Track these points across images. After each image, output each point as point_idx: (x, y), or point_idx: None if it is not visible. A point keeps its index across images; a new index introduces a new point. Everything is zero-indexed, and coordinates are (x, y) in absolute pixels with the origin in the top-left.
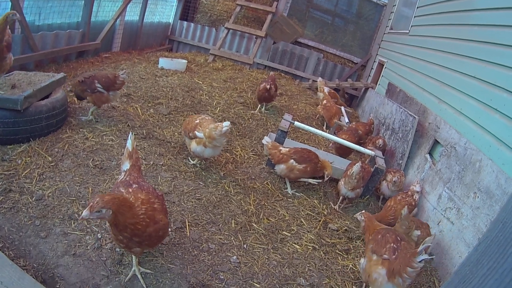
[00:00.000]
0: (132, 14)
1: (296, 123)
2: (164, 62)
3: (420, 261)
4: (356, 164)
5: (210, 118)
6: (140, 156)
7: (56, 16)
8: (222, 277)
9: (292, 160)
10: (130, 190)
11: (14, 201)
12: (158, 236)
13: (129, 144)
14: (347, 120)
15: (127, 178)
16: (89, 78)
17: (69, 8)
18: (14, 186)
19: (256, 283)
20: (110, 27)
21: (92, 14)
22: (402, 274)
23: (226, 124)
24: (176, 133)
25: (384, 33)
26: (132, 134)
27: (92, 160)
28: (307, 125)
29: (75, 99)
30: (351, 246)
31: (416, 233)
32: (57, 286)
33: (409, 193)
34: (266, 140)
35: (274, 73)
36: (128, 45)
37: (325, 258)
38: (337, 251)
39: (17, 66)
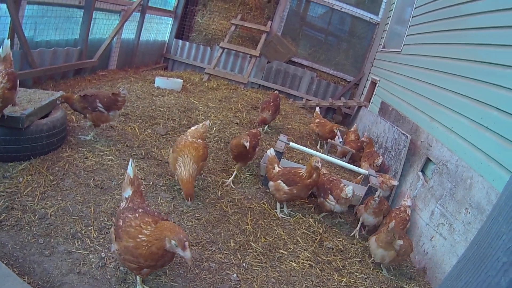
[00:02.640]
0: (128, 32)
1: (292, 144)
2: (160, 82)
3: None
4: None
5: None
6: (141, 181)
7: (54, 33)
8: None
9: (279, 181)
10: (137, 215)
11: (16, 219)
12: (170, 258)
13: (130, 170)
14: (340, 140)
15: (130, 205)
16: (91, 96)
17: (66, 25)
18: (16, 204)
19: None
20: (107, 45)
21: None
22: None
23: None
24: None
25: (377, 52)
26: (132, 160)
27: (93, 179)
28: (302, 145)
29: (73, 117)
30: (346, 263)
31: (399, 243)
32: None
33: (402, 208)
34: (271, 152)
35: (277, 92)
36: (124, 63)
37: (321, 275)
38: (332, 268)
39: None
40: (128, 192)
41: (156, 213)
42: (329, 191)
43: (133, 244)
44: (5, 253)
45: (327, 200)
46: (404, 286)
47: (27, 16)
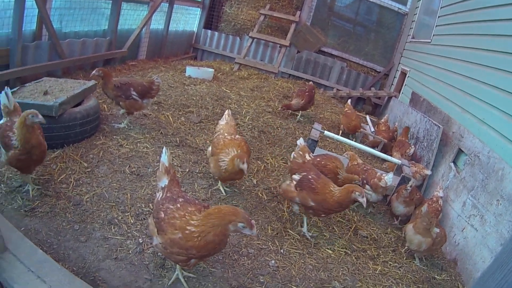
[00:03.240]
0: (157, 23)
1: (326, 132)
2: (191, 71)
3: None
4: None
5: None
6: (176, 169)
7: (82, 24)
8: (262, 280)
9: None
10: (178, 205)
11: (50, 206)
12: (224, 245)
13: (164, 159)
14: (372, 129)
15: (168, 194)
16: (125, 85)
17: (93, 16)
18: (50, 191)
19: (294, 286)
20: (137, 35)
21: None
22: None
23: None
24: (208, 141)
25: (406, 42)
26: (166, 149)
27: (128, 166)
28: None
29: (105, 106)
30: (380, 252)
31: (436, 230)
32: None
33: (434, 199)
34: (301, 142)
35: (312, 84)
36: (153, 53)
37: (357, 263)
38: (367, 256)
39: (45, 73)
40: (164, 181)
41: (196, 201)
42: (365, 181)
43: (180, 236)
44: (39, 239)
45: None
46: (436, 276)
47: (54, 8)
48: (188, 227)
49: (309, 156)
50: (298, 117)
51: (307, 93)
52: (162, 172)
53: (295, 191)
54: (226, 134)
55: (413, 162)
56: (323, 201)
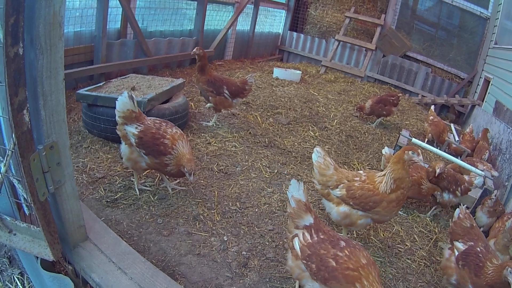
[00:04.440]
0: (242, 24)
1: (414, 139)
2: (279, 72)
3: None
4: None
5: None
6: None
7: (167, 24)
8: None
9: None
10: (347, 252)
11: (134, 198)
12: None
13: (300, 194)
14: (457, 138)
15: (322, 236)
16: (219, 81)
17: (175, 17)
18: (134, 184)
19: None
20: (223, 36)
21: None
22: None
23: None
24: (296, 143)
25: (489, 48)
26: (301, 182)
27: (216, 164)
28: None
29: (192, 104)
30: None
31: None
32: (182, 286)
33: None
34: (386, 151)
35: (394, 93)
36: (239, 53)
37: (435, 275)
38: None
39: (131, 70)
40: (308, 219)
41: (354, 242)
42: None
43: None
44: (119, 230)
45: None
46: None
47: (139, 8)
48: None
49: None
50: (375, 123)
51: (378, 96)
52: (302, 210)
53: (455, 266)
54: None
55: (482, 160)
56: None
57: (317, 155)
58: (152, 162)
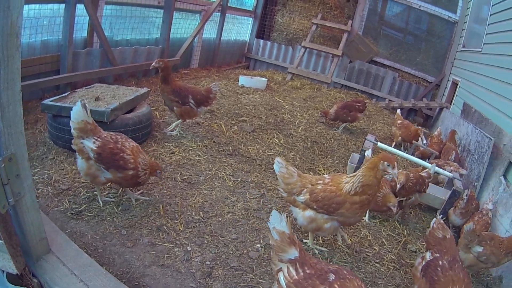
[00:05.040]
0: (209, 32)
1: (379, 144)
2: (244, 80)
3: None
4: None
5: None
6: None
7: (133, 32)
8: None
9: None
10: (337, 286)
11: (98, 210)
12: None
13: (284, 226)
14: (424, 141)
15: (309, 271)
16: (184, 91)
17: (143, 25)
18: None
19: None
20: (189, 44)
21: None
22: None
23: None
24: (260, 151)
25: (457, 51)
26: (283, 213)
27: (180, 174)
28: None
29: (157, 113)
30: None
31: (477, 249)
32: None
33: (484, 212)
34: (368, 154)
35: (361, 99)
36: (206, 62)
37: (405, 277)
38: None
39: (96, 79)
40: (292, 253)
41: (345, 271)
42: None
43: None
44: (84, 242)
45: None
46: None
47: (105, 16)
48: None
49: None
50: (340, 129)
51: (343, 102)
52: (285, 243)
53: (419, 275)
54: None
55: (448, 161)
56: None
57: (279, 165)
58: (115, 177)
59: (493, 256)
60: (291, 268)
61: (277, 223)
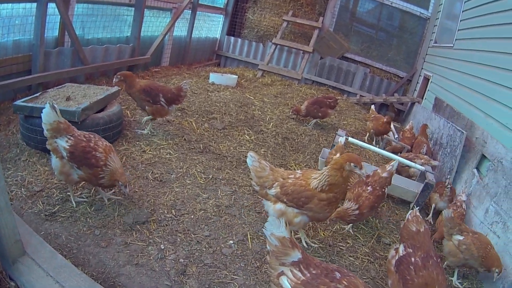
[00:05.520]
0: (180, 30)
1: (350, 138)
2: (215, 77)
3: None
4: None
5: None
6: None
7: (105, 31)
8: None
9: None
10: (345, 282)
11: (71, 211)
12: None
13: (283, 231)
14: (396, 136)
15: (314, 272)
16: (155, 90)
17: (114, 23)
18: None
19: None
20: (160, 42)
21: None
22: None
23: None
24: (231, 148)
25: (429, 47)
26: (282, 219)
27: (151, 172)
28: (358, 140)
29: (128, 112)
30: None
31: (457, 238)
32: None
33: (458, 203)
34: (340, 139)
35: (332, 95)
36: (176, 60)
37: (379, 270)
38: None
39: (67, 79)
40: (295, 255)
41: (344, 271)
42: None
43: None
44: (59, 244)
45: None
46: (457, 284)
47: (76, 15)
48: None
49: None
50: (310, 124)
51: (314, 98)
52: (288, 247)
53: (392, 269)
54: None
55: (419, 155)
56: None
57: (252, 159)
58: (86, 174)
59: (473, 247)
60: (295, 271)
61: (276, 229)
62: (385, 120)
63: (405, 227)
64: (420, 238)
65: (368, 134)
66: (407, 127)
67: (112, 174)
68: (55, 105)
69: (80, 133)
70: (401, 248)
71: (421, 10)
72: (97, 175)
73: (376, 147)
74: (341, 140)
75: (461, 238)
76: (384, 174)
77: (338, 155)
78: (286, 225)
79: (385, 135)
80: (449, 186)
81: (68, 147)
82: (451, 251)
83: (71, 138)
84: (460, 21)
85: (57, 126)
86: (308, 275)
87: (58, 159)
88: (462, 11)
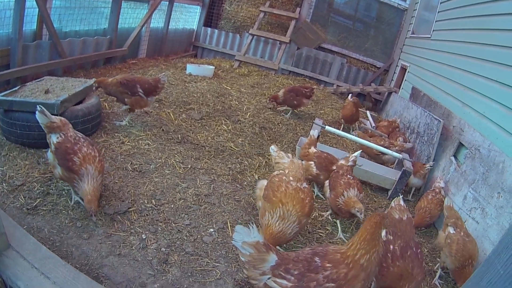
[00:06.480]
0: (157, 21)
1: (327, 127)
2: (192, 68)
3: None
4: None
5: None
6: None
7: (82, 23)
8: None
9: (311, 162)
10: (327, 264)
11: (53, 204)
12: None
13: (257, 236)
14: (373, 124)
15: (297, 272)
16: (132, 81)
17: (92, 16)
18: (52, 189)
19: None
20: (137, 34)
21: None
22: None
23: None
24: (209, 138)
25: (406, 38)
26: (253, 225)
27: (130, 163)
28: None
29: (106, 104)
30: None
31: (450, 230)
32: (103, 286)
33: (436, 190)
34: (314, 134)
35: (309, 85)
36: (154, 51)
37: None
38: None
39: (46, 72)
40: (272, 258)
41: (318, 249)
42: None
43: None
44: (42, 237)
45: None
46: (437, 283)
47: (54, 7)
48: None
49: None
50: (288, 114)
51: (291, 87)
52: (263, 252)
53: None
54: (291, 179)
55: (393, 142)
56: None
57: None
58: (63, 174)
59: (454, 246)
60: (278, 280)
61: (247, 236)
62: (351, 101)
63: (388, 214)
64: (402, 226)
65: (342, 124)
66: (391, 119)
67: (83, 190)
68: (44, 109)
69: (73, 134)
70: (383, 234)
71: (398, 2)
72: (72, 180)
73: (353, 135)
74: (314, 133)
75: (452, 231)
76: (350, 164)
77: (312, 148)
78: (258, 228)
79: (362, 124)
80: (429, 166)
81: (55, 142)
82: (439, 242)
83: (62, 136)
84: (438, 12)
85: (51, 125)
86: (293, 278)
87: (51, 152)
88: (440, 3)
